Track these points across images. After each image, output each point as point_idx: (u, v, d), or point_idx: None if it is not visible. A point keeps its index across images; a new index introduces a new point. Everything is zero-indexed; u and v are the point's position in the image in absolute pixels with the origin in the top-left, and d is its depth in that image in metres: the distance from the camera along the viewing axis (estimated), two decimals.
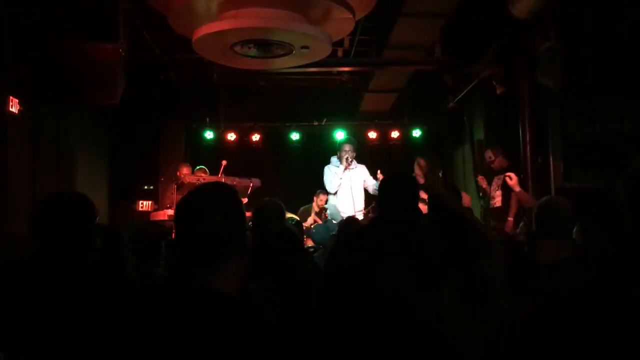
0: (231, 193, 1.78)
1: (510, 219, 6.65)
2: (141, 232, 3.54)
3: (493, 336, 1.99)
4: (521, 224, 5.05)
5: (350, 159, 7.15)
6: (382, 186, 3.39)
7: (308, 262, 3.02)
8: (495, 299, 2.03)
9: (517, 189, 6.04)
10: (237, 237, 1.71)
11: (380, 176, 7.14)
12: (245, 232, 1.76)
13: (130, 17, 6.44)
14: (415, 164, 8.03)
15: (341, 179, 7.15)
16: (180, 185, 7.67)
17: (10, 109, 5.70)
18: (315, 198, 9.28)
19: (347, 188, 7.16)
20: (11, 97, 5.70)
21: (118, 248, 3.00)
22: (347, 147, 7.20)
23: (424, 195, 3.76)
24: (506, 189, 7.01)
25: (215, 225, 1.67)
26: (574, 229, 2.79)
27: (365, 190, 7.39)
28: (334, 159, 7.34)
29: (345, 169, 7.13)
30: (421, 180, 7.51)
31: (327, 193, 8.96)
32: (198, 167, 8.30)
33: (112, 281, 2.34)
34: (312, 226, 7.66)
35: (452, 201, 2.76)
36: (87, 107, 8.23)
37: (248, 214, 3.80)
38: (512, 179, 6.05)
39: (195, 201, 1.75)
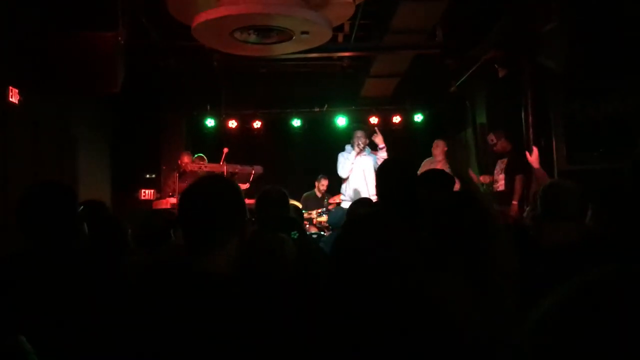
0: (230, 183, 1.91)
1: (515, 202, 6.65)
2: (149, 220, 3.53)
3: (498, 319, 1.98)
4: (527, 208, 4.99)
5: (362, 145, 7.19)
6: (380, 171, 3.35)
7: (309, 247, 3.00)
8: (501, 283, 2.02)
9: (536, 165, 5.60)
10: (234, 223, 1.80)
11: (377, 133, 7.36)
12: (244, 219, 1.85)
13: (128, 5, 6.39)
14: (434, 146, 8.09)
15: (352, 163, 7.18)
16: (182, 174, 7.67)
17: (11, 99, 5.68)
18: (316, 183, 9.28)
19: (360, 173, 7.21)
20: (11, 87, 5.67)
21: (118, 236, 2.99)
22: (359, 134, 7.29)
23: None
24: (509, 173, 7.01)
25: (213, 212, 1.76)
26: (589, 213, 2.75)
27: None
28: (347, 147, 7.39)
29: (357, 154, 7.18)
30: (439, 164, 7.57)
31: (327, 178, 8.97)
32: (196, 155, 8.29)
33: (102, 270, 2.32)
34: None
35: (472, 185, 2.75)
36: (88, 96, 8.21)
37: (251, 200, 3.78)
38: (533, 155, 5.60)
39: (196, 190, 1.85)
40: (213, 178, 1.98)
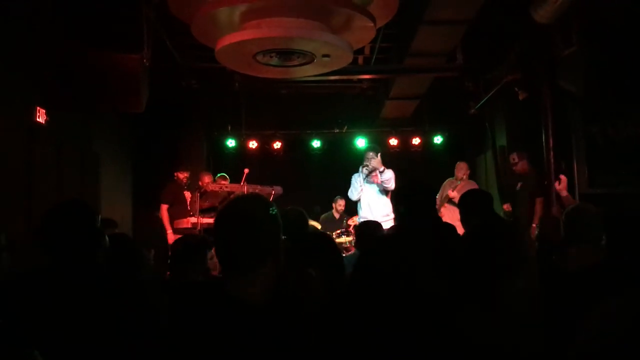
0: (269, 204, 1.82)
1: (535, 225, 6.61)
2: (183, 241, 3.56)
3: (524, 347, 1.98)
4: (536, 231, 4.95)
5: (371, 167, 7.08)
6: (398, 194, 3.38)
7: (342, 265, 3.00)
8: (526, 313, 2.02)
9: (564, 193, 5.58)
10: (271, 245, 1.74)
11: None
12: (280, 241, 1.78)
13: (153, 27, 6.52)
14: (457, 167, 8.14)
15: (361, 186, 7.11)
16: (204, 193, 7.73)
17: (37, 119, 5.80)
18: (333, 204, 9.31)
19: (371, 194, 7.12)
20: (38, 108, 5.79)
21: (128, 254, 3.00)
22: (369, 155, 7.15)
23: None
24: (529, 196, 6.98)
25: (248, 235, 1.71)
26: (604, 236, 2.74)
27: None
28: (361, 168, 7.30)
29: (367, 176, 7.10)
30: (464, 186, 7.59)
31: (344, 198, 8.96)
32: (219, 175, 8.37)
33: (121, 288, 2.34)
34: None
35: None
36: (111, 115, 8.34)
37: None
38: (562, 183, 5.58)
39: (232, 211, 1.80)
40: (250, 198, 1.90)
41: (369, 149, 7.44)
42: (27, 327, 2.07)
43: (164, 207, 8.11)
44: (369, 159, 7.10)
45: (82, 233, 2.33)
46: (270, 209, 1.80)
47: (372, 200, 7.15)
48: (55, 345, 2.04)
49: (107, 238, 2.51)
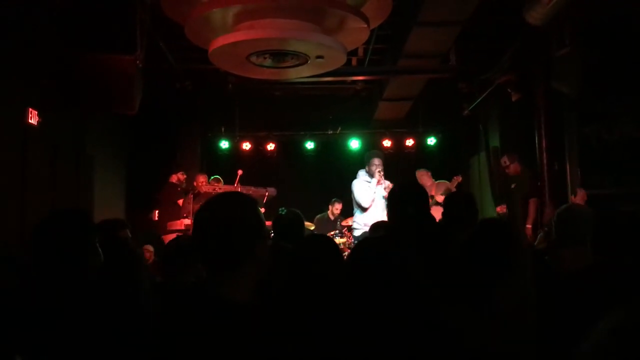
0: (247, 202, 1.81)
1: (529, 226, 6.63)
2: (176, 243, 3.54)
3: (515, 348, 1.99)
4: (540, 234, 4.97)
5: (382, 173, 6.89)
6: (392, 195, 3.36)
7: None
8: (518, 314, 2.02)
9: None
10: (251, 245, 1.72)
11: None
12: (261, 240, 1.76)
13: (147, 28, 6.51)
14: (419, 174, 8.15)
15: (375, 192, 6.88)
16: (197, 195, 7.73)
17: (30, 121, 5.77)
18: (330, 207, 9.29)
19: (379, 203, 6.94)
20: (30, 109, 5.76)
21: (126, 257, 2.97)
22: (376, 161, 6.89)
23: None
24: (522, 197, 7.00)
25: (229, 234, 1.69)
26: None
27: None
28: (362, 173, 6.88)
29: (378, 183, 6.88)
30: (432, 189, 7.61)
31: (341, 202, 8.91)
32: (212, 177, 8.36)
33: (116, 297, 2.31)
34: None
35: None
36: (105, 117, 8.32)
37: (267, 223, 3.77)
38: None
39: (210, 210, 1.78)
40: (225, 196, 1.89)
41: (376, 155, 7.16)
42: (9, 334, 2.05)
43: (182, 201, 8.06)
44: (378, 165, 6.85)
45: (71, 246, 2.30)
46: (247, 203, 1.78)
47: (379, 205, 7.02)
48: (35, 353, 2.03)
49: (100, 252, 2.47)
